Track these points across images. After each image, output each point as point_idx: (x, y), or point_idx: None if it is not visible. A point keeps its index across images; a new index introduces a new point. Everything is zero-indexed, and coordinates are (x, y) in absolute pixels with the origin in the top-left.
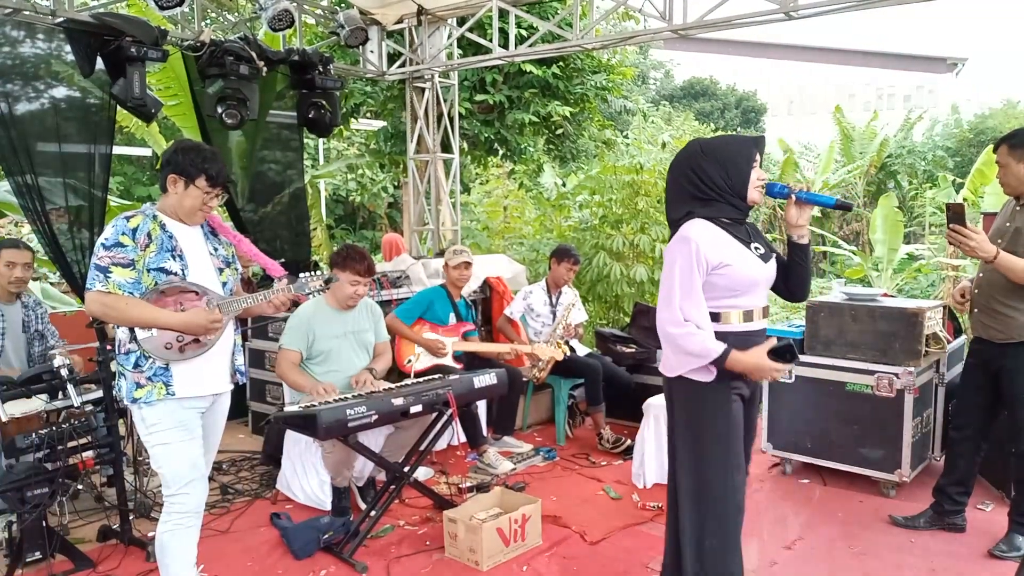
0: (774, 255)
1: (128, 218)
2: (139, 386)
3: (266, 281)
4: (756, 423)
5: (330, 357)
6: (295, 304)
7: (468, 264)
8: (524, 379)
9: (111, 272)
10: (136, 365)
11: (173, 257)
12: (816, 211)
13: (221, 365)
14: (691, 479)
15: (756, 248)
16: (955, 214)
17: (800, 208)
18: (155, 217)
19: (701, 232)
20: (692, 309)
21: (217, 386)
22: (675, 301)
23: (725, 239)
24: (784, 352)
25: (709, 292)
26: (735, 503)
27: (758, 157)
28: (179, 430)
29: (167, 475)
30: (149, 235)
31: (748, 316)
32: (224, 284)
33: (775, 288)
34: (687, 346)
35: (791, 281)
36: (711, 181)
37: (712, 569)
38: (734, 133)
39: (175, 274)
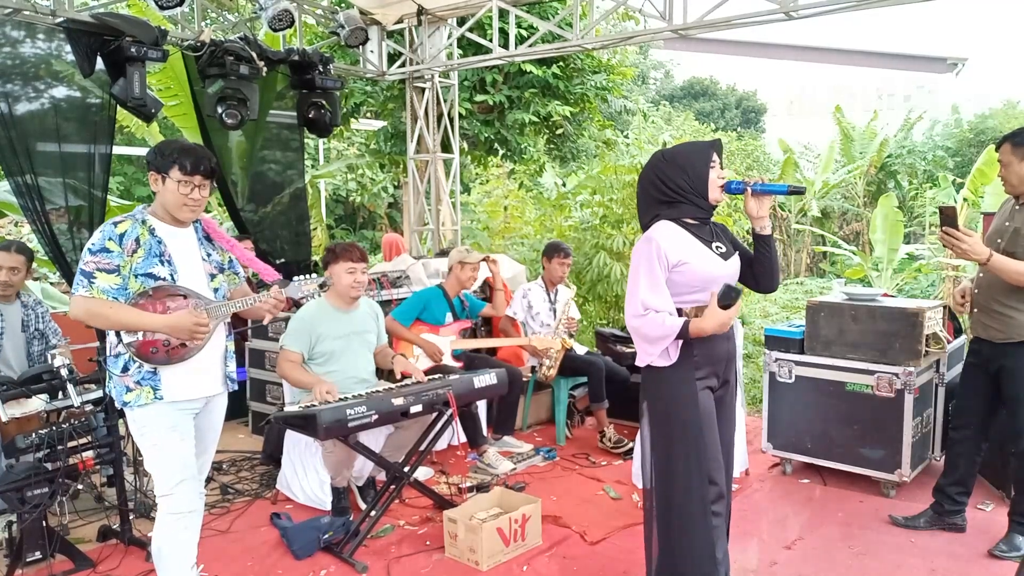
0: (737, 252)
1: (116, 223)
2: (128, 390)
3: (265, 283)
4: (734, 419)
5: (333, 357)
6: (297, 305)
7: (479, 264)
8: (524, 379)
9: (95, 278)
10: (124, 369)
11: (161, 262)
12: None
13: (212, 369)
14: (660, 463)
15: (717, 247)
16: (947, 217)
17: (758, 200)
18: (144, 222)
19: (663, 232)
20: (653, 299)
21: (208, 389)
22: (638, 295)
23: (686, 239)
24: (729, 294)
25: (671, 289)
26: (702, 489)
27: (716, 159)
28: (170, 431)
29: (159, 475)
30: (137, 240)
31: None
32: (216, 290)
33: (745, 281)
34: (649, 331)
35: (757, 272)
36: (674, 184)
37: (677, 544)
38: (693, 140)
39: (163, 279)
